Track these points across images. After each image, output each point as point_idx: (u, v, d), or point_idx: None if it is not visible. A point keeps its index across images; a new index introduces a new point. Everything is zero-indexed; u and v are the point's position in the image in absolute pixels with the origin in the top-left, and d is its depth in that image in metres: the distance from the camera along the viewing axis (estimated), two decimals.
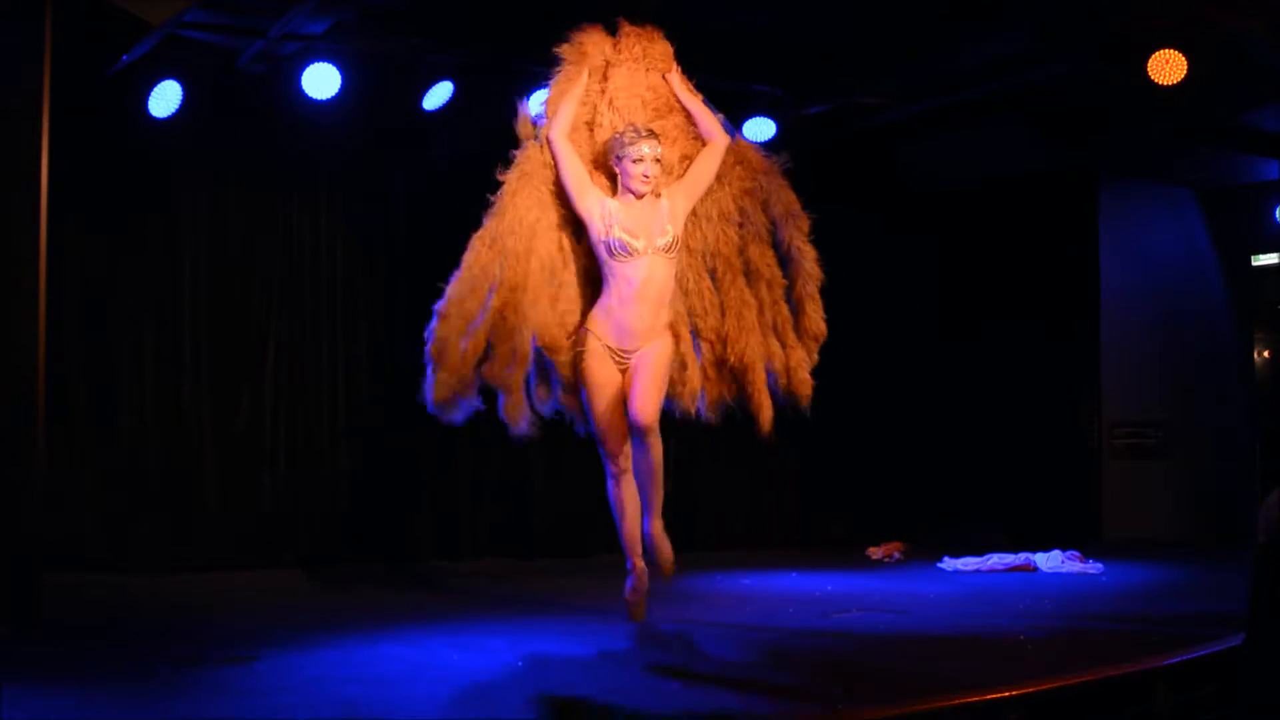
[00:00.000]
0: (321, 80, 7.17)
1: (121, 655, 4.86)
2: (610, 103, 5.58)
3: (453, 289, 5.31)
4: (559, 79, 5.53)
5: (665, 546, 5.40)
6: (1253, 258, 10.06)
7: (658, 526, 5.40)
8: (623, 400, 5.27)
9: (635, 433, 5.24)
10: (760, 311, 5.62)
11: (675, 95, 5.65)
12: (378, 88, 7.52)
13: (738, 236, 5.68)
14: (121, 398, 7.31)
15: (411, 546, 7.94)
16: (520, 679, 4.40)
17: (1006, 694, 4.13)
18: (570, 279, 5.51)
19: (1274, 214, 9.52)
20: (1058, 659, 4.72)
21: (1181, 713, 4.55)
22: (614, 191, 5.41)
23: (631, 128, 5.41)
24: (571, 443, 5.86)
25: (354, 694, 4.14)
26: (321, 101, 7.24)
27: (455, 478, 8.13)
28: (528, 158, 5.45)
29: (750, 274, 5.66)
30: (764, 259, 5.66)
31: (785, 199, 5.67)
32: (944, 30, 7.26)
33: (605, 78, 5.60)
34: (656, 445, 5.24)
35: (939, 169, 9.35)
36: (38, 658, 4.83)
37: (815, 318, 5.61)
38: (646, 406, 5.21)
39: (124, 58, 6.73)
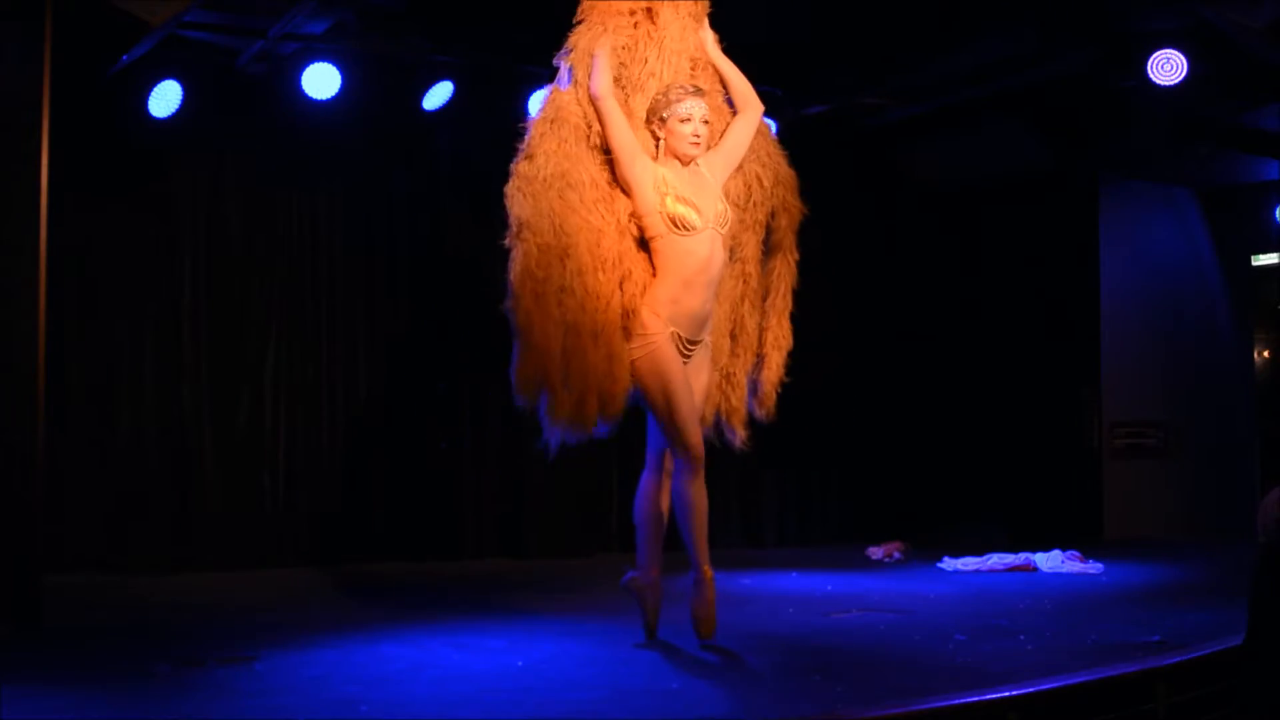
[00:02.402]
0: (321, 80, 7.18)
1: (121, 655, 4.86)
2: (661, 55, 5.03)
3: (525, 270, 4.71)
4: (583, 30, 4.94)
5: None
6: (1253, 258, 10.07)
7: (709, 572, 4.90)
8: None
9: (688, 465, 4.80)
10: (724, 303, 5.21)
11: (708, 54, 5.15)
12: (378, 88, 7.53)
13: (736, 220, 5.20)
14: (121, 398, 7.31)
15: (412, 546, 7.94)
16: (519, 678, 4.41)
17: (1006, 694, 4.13)
18: (624, 245, 4.94)
19: (1274, 214, 9.53)
20: (1058, 659, 4.72)
21: (1181, 713, 4.55)
22: (655, 156, 4.95)
23: (678, 85, 4.94)
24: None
25: (354, 694, 4.14)
26: (321, 101, 7.25)
27: (455, 478, 8.14)
28: (553, 103, 4.91)
29: (734, 261, 5.24)
30: (753, 251, 5.29)
31: (792, 191, 5.34)
32: (944, 30, 7.26)
33: (650, 21, 5.03)
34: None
35: (939, 169, 9.35)
36: (38, 658, 4.83)
37: (783, 329, 5.29)
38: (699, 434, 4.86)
39: (124, 58, 6.73)
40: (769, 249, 5.35)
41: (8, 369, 5.44)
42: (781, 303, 5.32)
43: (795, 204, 5.35)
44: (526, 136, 4.88)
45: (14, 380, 5.44)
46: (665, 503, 4.98)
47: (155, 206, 7.44)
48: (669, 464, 4.94)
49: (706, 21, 5.18)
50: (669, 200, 4.81)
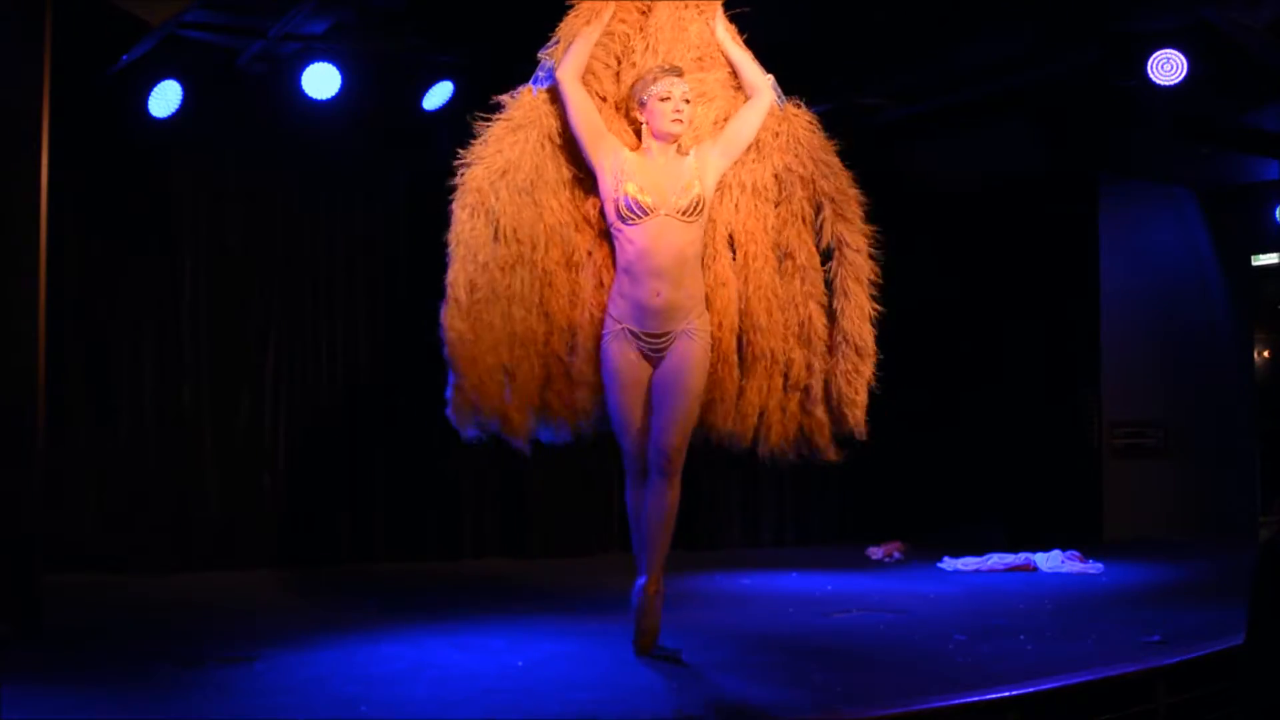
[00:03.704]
0: (321, 80, 7.18)
1: (121, 655, 4.86)
2: (650, 46, 4.91)
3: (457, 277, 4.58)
4: (572, 17, 4.84)
5: (654, 616, 4.69)
6: (1253, 258, 10.06)
7: (654, 586, 4.68)
8: (645, 396, 4.66)
9: (655, 469, 4.63)
10: (787, 307, 5.00)
11: (718, 44, 4.97)
12: (378, 88, 7.53)
13: (774, 215, 5.04)
14: (121, 398, 7.31)
15: (411, 546, 7.94)
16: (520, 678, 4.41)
17: (1006, 694, 4.13)
18: (593, 248, 4.86)
19: (1274, 214, 9.52)
20: (1058, 659, 4.72)
21: (1181, 713, 4.55)
22: (637, 146, 4.80)
23: (657, 66, 4.80)
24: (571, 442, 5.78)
25: (354, 694, 4.14)
26: (321, 101, 7.25)
27: (456, 478, 8.13)
28: (519, 105, 4.77)
29: (784, 260, 5.03)
30: (802, 246, 5.02)
31: (835, 180, 5.07)
32: (944, 30, 7.26)
33: (644, 14, 4.95)
34: (676, 489, 4.64)
35: (939, 170, 9.34)
36: (38, 658, 4.83)
37: (859, 331, 4.90)
38: (673, 439, 4.60)
39: (124, 58, 6.73)
40: (827, 249, 5.06)
41: (8, 369, 5.44)
42: (851, 303, 4.95)
43: (839, 194, 5.06)
44: (482, 140, 4.74)
45: (14, 380, 5.44)
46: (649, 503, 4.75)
47: (155, 206, 7.44)
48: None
49: (720, 10, 5.02)
50: (626, 186, 4.66)
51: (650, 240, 4.63)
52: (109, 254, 7.31)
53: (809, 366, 5.00)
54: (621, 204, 4.65)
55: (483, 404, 4.61)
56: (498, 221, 4.68)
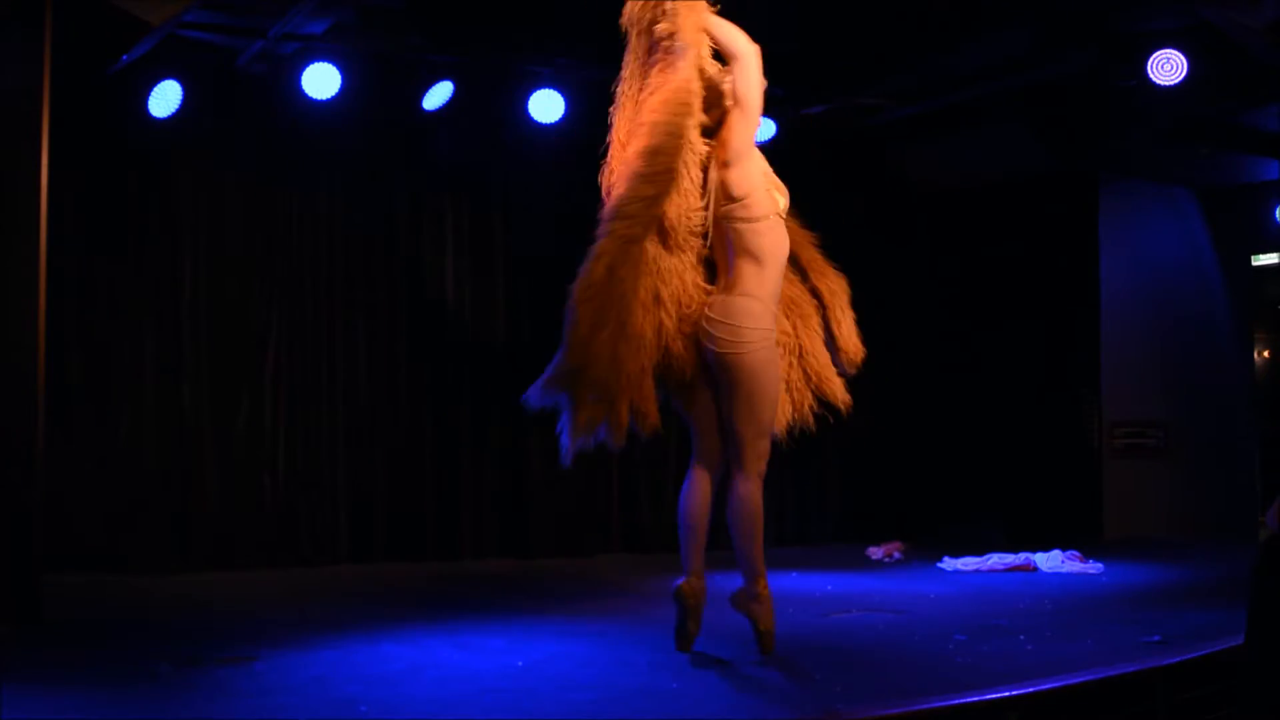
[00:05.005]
0: (321, 80, 7.19)
1: (121, 655, 4.86)
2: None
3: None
4: (682, 9, 4.47)
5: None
6: (1253, 258, 10.06)
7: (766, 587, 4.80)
8: None
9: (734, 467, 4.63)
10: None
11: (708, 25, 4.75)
12: (378, 88, 7.54)
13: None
14: (121, 398, 7.30)
15: (412, 546, 7.94)
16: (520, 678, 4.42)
17: (1006, 694, 4.13)
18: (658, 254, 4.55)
19: (1274, 214, 9.52)
20: (1058, 659, 4.72)
21: (1181, 713, 4.55)
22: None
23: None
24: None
25: (354, 694, 4.14)
26: (321, 101, 7.26)
27: (455, 478, 8.13)
28: (691, 102, 4.38)
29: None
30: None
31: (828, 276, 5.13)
32: (943, 30, 7.26)
33: None
34: None
35: (939, 169, 9.35)
36: (38, 658, 4.83)
37: (848, 335, 5.09)
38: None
39: (124, 58, 6.74)
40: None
41: (8, 369, 5.44)
42: (844, 323, 5.10)
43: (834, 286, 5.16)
44: (658, 146, 4.33)
45: (14, 380, 5.44)
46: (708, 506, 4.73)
47: (155, 206, 7.44)
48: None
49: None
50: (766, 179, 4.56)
51: (787, 239, 4.62)
52: (109, 254, 7.30)
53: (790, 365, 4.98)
54: (776, 200, 4.56)
55: (613, 410, 4.40)
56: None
